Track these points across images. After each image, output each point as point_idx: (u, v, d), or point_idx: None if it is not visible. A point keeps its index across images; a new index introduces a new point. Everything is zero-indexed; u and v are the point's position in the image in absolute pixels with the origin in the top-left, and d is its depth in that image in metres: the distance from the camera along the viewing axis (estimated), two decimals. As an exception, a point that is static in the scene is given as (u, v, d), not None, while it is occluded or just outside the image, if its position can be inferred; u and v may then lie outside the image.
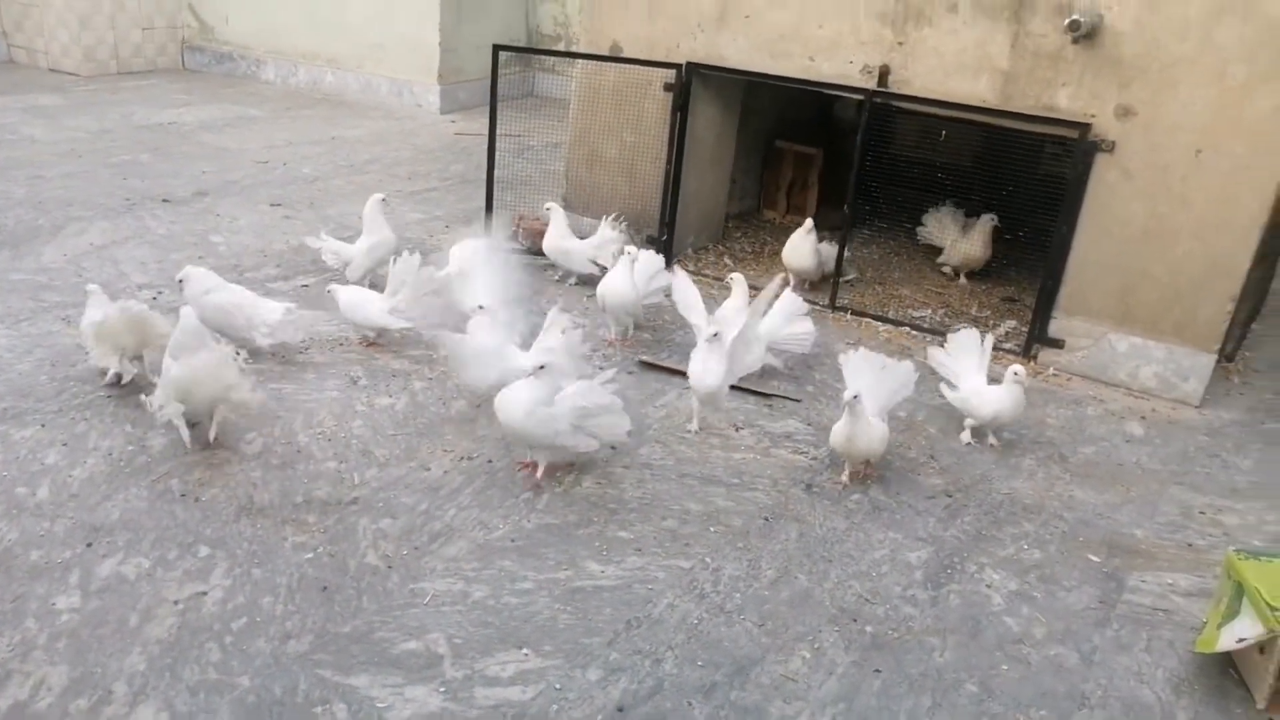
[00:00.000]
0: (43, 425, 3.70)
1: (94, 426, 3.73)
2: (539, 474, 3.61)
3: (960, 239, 6.03)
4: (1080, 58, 4.55)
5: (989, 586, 3.28)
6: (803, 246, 5.59)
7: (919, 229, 6.26)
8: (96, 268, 5.20)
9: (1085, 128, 4.60)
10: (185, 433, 3.57)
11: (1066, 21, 4.40)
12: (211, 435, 3.68)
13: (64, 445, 3.60)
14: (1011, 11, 4.66)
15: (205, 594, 2.92)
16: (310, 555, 3.13)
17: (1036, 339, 5.02)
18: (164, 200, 6.39)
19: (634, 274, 4.78)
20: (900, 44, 4.99)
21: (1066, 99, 4.64)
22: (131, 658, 2.66)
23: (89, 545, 3.08)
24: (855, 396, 3.61)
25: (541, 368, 3.47)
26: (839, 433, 3.69)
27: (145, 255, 5.45)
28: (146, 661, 2.65)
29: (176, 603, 2.87)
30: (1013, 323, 5.47)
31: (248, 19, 10.18)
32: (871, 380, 3.83)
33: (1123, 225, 4.64)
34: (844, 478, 3.79)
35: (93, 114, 8.35)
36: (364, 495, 3.47)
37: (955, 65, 4.88)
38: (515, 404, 3.48)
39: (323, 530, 3.26)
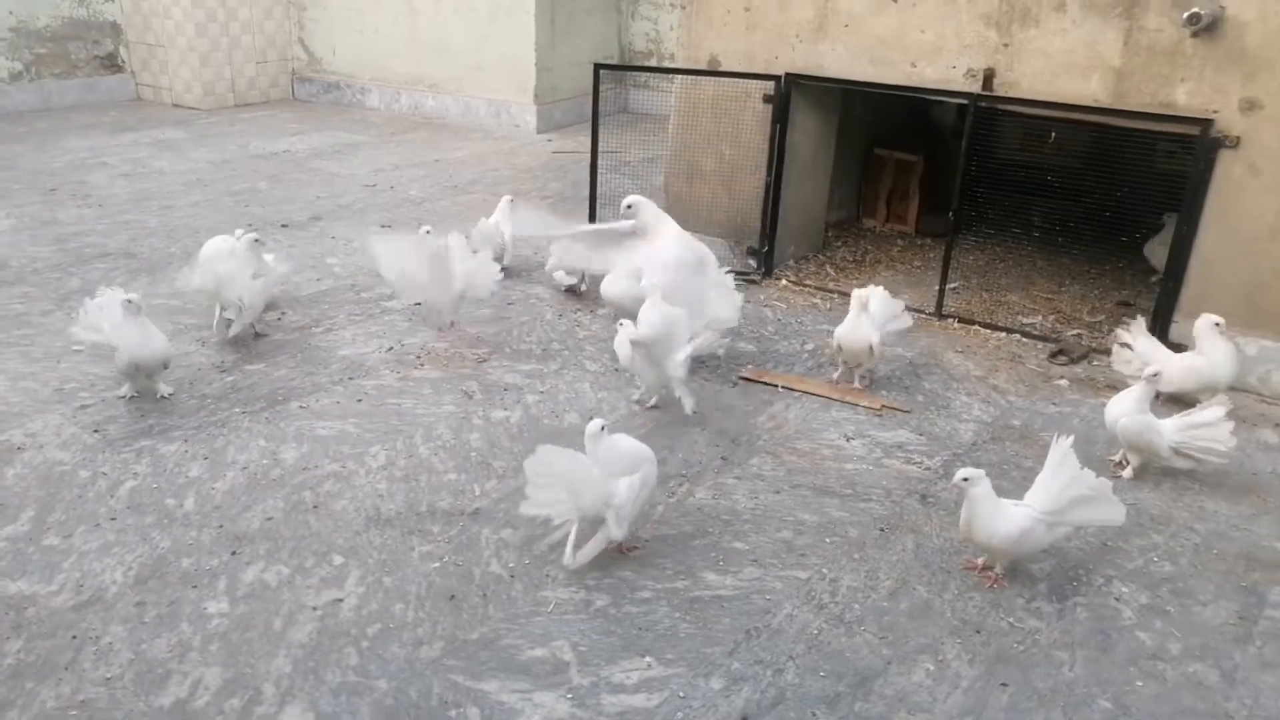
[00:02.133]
0: (185, 440, 3.93)
1: (231, 442, 3.94)
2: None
3: None
4: (1200, 51, 4.40)
5: (1118, 600, 3.19)
6: None
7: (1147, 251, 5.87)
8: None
9: (1207, 124, 4.44)
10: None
11: (1185, 15, 4.27)
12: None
13: (205, 459, 3.81)
14: (1124, 7, 4.54)
15: (341, 601, 3.06)
16: (437, 564, 3.25)
17: (1157, 343, 4.84)
18: (283, 225, 6.69)
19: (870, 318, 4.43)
20: (1006, 45, 4.90)
21: (1185, 95, 4.49)
22: (277, 660, 2.80)
23: (233, 554, 3.26)
24: (965, 479, 3.14)
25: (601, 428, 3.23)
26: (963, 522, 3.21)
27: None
28: (291, 664, 2.79)
29: (315, 609, 3.02)
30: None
31: (353, 49, 10.60)
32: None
33: (1251, 223, 4.46)
34: (978, 561, 3.33)
35: (213, 145, 8.81)
36: (484, 506, 3.58)
37: (1064, 65, 4.77)
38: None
39: (447, 540, 3.38)
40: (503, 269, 5.79)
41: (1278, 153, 4.33)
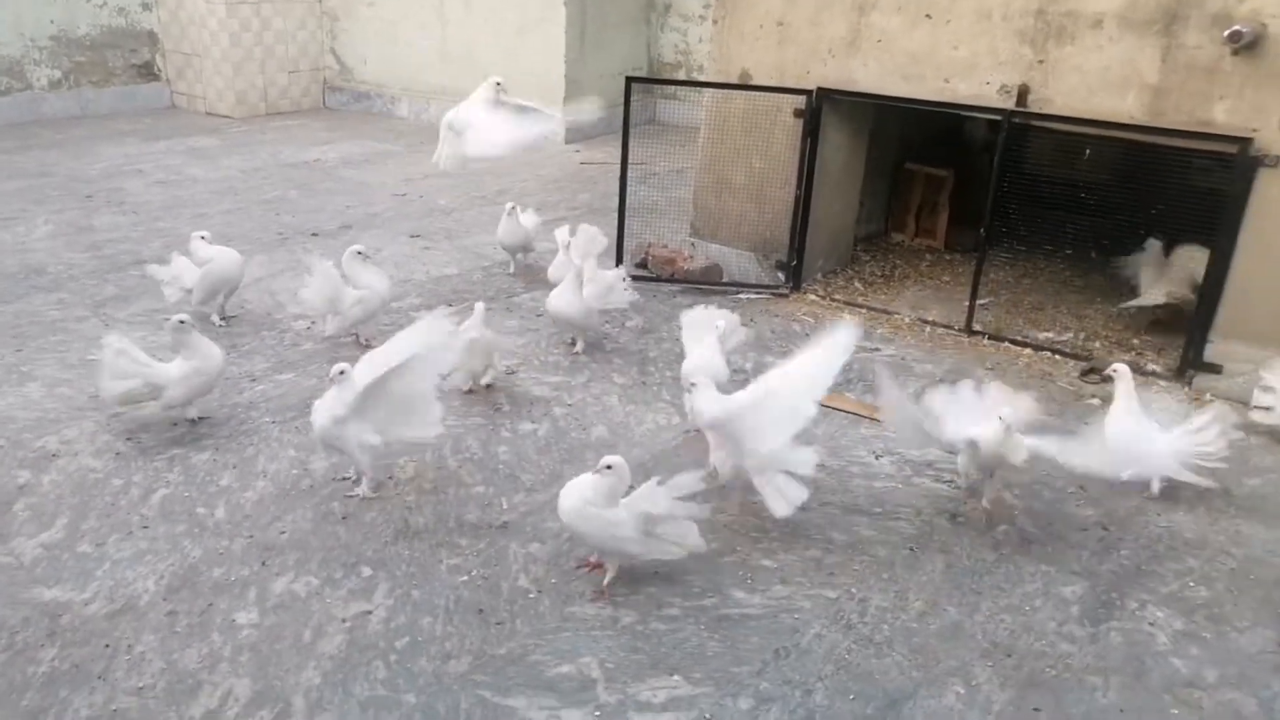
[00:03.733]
0: (216, 449, 3.96)
1: (261, 451, 3.97)
2: (605, 581, 3.18)
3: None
4: (1240, 69, 4.34)
5: (1152, 625, 3.14)
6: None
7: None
8: (257, 299, 5.53)
9: (1246, 142, 4.38)
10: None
11: (1227, 32, 4.22)
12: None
13: (235, 468, 3.84)
14: (1162, 25, 4.50)
15: (370, 613, 3.07)
16: (465, 578, 3.25)
17: (1191, 364, 4.79)
18: (313, 234, 6.75)
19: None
20: (1040, 62, 4.87)
21: (1224, 113, 4.44)
22: (307, 672, 2.81)
23: (263, 564, 3.28)
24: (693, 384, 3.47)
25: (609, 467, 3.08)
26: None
27: (299, 286, 5.76)
28: (321, 676, 2.80)
29: (344, 621, 3.03)
30: (1159, 347, 5.23)
31: (384, 59, 10.69)
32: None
33: (1289, 243, 4.40)
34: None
35: (245, 154, 8.91)
36: (512, 520, 3.58)
37: (1100, 82, 4.73)
38: (567, 496, 3.12)
39: (475, 553, 3.38)
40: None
41: (1318, 172, 4.27)
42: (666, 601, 3.16)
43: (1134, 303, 5.59)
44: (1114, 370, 3.87)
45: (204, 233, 5.15)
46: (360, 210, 7.37)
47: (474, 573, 3.28)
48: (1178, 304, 5.41)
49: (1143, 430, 3.76)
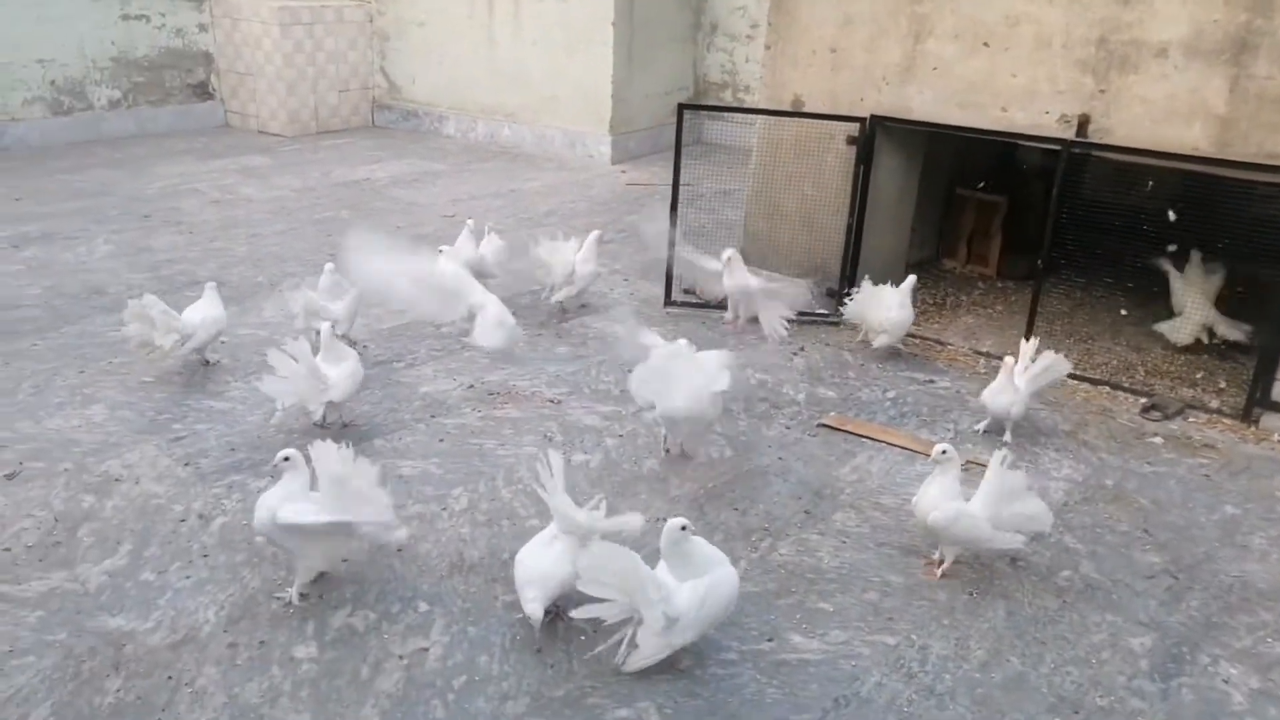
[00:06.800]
0: (274, 476, 3.98)
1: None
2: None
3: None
4: (1312, 103, 4.24)
5: (1226, 682, 3.05)
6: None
7: None
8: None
9: (1318, 177, 4.28)
10: None
11: (1298, 66, 4.13)
12: None
13: (292, 496, 3.86)
14: (1231, 54, 4.41)
15: (427, 650, 3.07)
16: (521, 615, 3.24)
17: (1258, 402, 4.66)
18: (364, 255, 6.80)
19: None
20: (1102, 92, 4.79)
21: (1295, 146, 4.33)
22: (365, 709, 2.82)
23: (320, 596, 3.30)
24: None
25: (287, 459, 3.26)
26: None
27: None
28: (379, 714, 2.80)
29: (401, 657, 3.03)
30: (1222, 384, 5.10)
31: (433, 78, 10.81)
32: None
33: (1363, 281, 4.28)
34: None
35: (297, 173, 9.04)
36: (566, 555, 3.57)
37: (1164, 112, 4.64)
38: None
39: (530, 589, 3.37)
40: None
41: (1396, 209, 4.15)
42: (724, 646, 3.13)
43: (1163, 326, 5.54)
44: (943, 451, 3.48)
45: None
46: (410, 232, 7.43)
47: (529, 610, 3.26)
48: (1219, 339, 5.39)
49: (963, 508, 3.43)
